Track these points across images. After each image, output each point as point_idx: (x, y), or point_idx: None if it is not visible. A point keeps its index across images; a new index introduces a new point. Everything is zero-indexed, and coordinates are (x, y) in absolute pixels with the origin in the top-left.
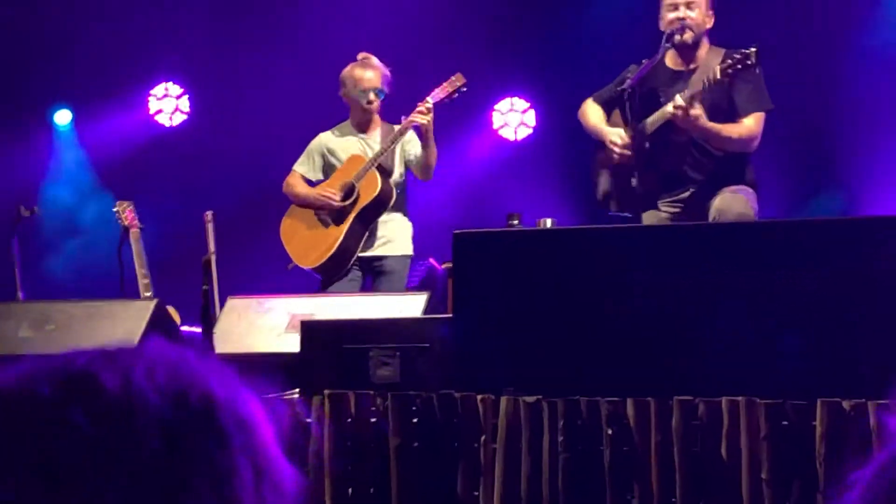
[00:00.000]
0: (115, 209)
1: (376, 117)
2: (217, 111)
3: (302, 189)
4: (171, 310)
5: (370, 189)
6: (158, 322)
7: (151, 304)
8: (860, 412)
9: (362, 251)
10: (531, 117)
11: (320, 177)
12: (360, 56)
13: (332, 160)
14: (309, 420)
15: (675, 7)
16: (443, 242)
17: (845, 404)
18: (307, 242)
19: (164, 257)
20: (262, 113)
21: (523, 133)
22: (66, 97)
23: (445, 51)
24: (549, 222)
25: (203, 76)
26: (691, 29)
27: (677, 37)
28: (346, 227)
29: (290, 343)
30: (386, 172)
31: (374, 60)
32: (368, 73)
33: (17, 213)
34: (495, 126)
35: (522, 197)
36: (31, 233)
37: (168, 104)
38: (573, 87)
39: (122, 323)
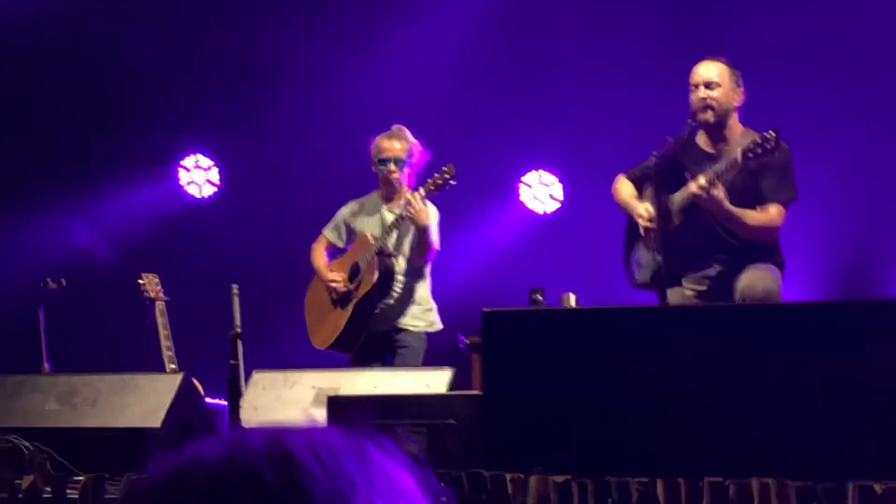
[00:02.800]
0: (140, 281)
1: (403, 188)
2: (246, 183)
3: (317, 261)
4: (195, 381)
5: (369, 277)
6: (185, 395)
7: (178, 378)
8: (891, 494)
9: (377, 328)
10: (558, 191)
11: (345, 244)
12: (393, 127)
13: (354, 229)
14: None
15: (697, 88)
16: (466, 315)
17: (877, 487)
18: (318, 321)
19: (189, 329)
20: (291, 185)
21: (550, 206)
22: (94, 168)
23: (473, 121)
24: (572, 297)
25: (233, 148)
26: (712, 109)
27: (700, 116)
28: (349, 312)
29: (317, 417)
30: (388, 256)
31: (404, 132)
32: (393, 144)
33: (44, 284)
34: (522, 198)
35: (546, 270)
36: (57, 305)
37: (198, 175)
38: (601, 161)
39: (149, 396)
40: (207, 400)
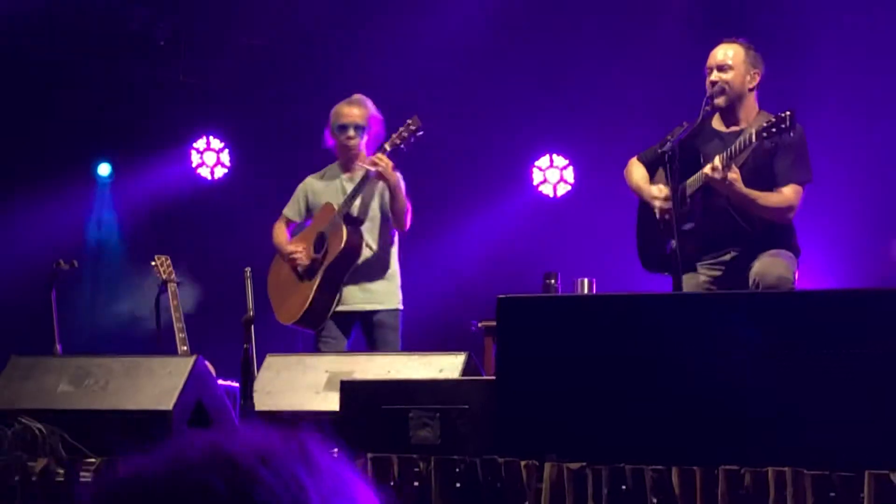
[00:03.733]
0: (153, 263)
1: (361, 156)
2: (258, 165)
3: (278, 239)
4: (207, 364)
5: (336, 242)
6: (197, 377)
7: (190, 360)
8: None
9: (349, 306)
10: (570, 174)
11: (305, 220)
12: (354, 95)
13: (316, 203)
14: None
15: (711, 70)
16: (480, 299)
17: (893, 476)
18: (283, 297)
19: (201, 311)
20: (303, 167)
21: (562, 190)
22: (107, 150)
23: (487, 106)
24: (586, 283)
25: (244, 130)
26: (724, 92)
27: (714, 100)
28: (316, 282)
29: (330, 401)
30: (355, 221)
31: (364, 100)
32: (353, 110)
33: (56, 266)
34: (535, 182)
35: (560, 254)
36: (70, 286)
37: (209, 157)
38: (613, 145)
39: (162, 379)
40: (220, 383)
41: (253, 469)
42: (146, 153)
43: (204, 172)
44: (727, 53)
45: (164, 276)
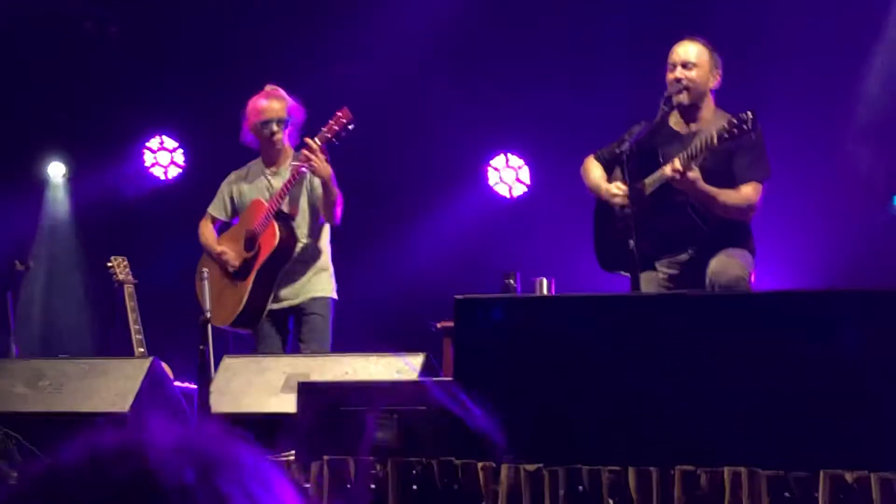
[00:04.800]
0: (109, 264)
1: (286, 149)
2: (212, 165)
3: (206, 239)
4: (164, 366)
5: (269, 240)
6: (154, 379)
7: (146, 363)
8: (863, 484)
9: (282, 303)
10: (526, 174)
11: (232, 218)
12: (266, 87)
13: (242, 201)
14: (307, 486)
15: (674, 67)
16: (437, 300)
17: (848, 476)
18: (216, 299)
19: (158, 313)
20: None
21: (518, 190)
22: (59, 150)
23: (440, 105)
24: (545, 282)
25: (197, 129)
26: (688, 90)
27: (674, 98)
28: (250, 282)
29: (287, 403)
30: (287, 217)
31: (279, 91)
32: (272, 103)
33: (11, 267)
34: (490, 182)
35: (518, 254)
36: (24, 287)
37: (163, 157)
38: (569, 144)
39: (117, 381)
40: (177, 384)
41: (165, 459)
42: (99, 153)
43: (157, 172)
44: (693, 51)
45: (120, 277)
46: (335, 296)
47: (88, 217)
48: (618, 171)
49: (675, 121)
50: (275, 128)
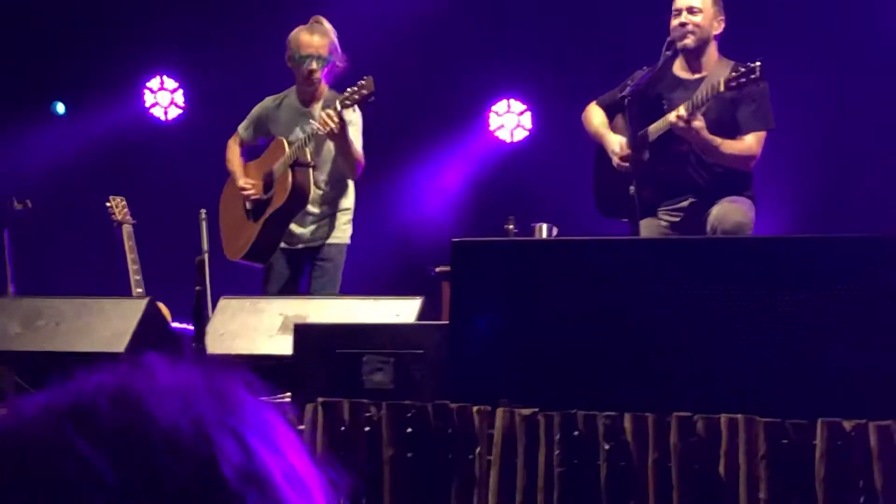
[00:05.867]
0: (107, 204)
1: (322, 88)
2: (212, 106)
3: (232, 164)
4: (161, 306)
5: (281, 191)
6: (150, 319)
7: (143, 303)
8: (861, 433)
9: (297, 244)
10: (528, 119)
11: (262, 141)
12: (312, 19)
13: (271, 129)
14: (301, 427)
15: (679, 12)
16: (438, 244)
17: (846, 424)
18: (231, 231)
19: (156, 253)
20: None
21: (520, 135)
22: (60, 89)
23: (442, 50)
24: (544, 227)
25: (199, 70)
26: (693, 34)
27: (679, 42)
28: (259, 226)
29: (283, 345)
30: (305, 166)
31: (325, 25)
32: (314, 38)
33: (9, 205)
34: (492, 128)
35: (518, 199)
36: (23, 226)
37: (163, 97)
38: (571, 90)
39: (114, 321)
40: (174, 325)
41: (161, 404)
42: (100, 93)
43: (157, 113)
44: None
45: (119, 218)
46: (349, 241)
47: (89, 156)
48: (619, 118)
49: (679, 67)
50: (314, 65)
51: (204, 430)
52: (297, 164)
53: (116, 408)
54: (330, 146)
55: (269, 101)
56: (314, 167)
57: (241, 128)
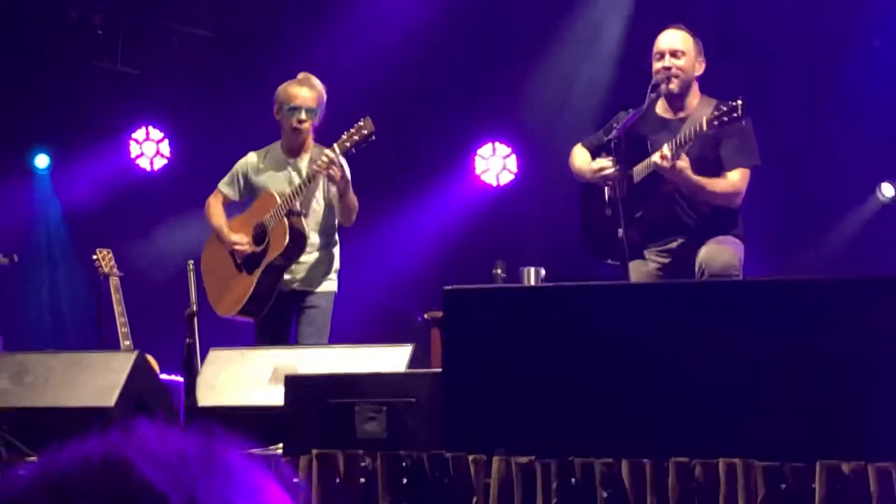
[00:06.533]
0: (94, 257)
1: (309, 141)
2: (198, 156)
3: (217, 220)
4: (150, 358)
5: (279, 241)
6: (139, 373)
7: (132, 356)
8: (860, 475)
9: (285, 289)
10: (513, 162)
11: (243, 198)
12: (300, 75)
13: (256, 184)
14: (296, 480)
15: (662, 56)
16: (426, 290)
17: (845, 467)
18: (222, 287)
19: (144, 305)
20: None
21: (506, 178)
22: (44, 141)
23: (426, 95)
24: (532, 271)
25: (183, 120)
26: (676, 78)
27: (663, 86)
28: (256, 277)
29: (274, 396)
30: (299, 215)
31: (313, 79)
32: (303, 90)
33: None
34: (477, 171)
35: (506, 243)
36: (9, 280)
37: (149, 148)
38: (555, 133)
39: (103, 375)
40: (163, 377)
41: (136, 469)
42: (85, 144)
43: (143, 163)
44: (679, 39)
45: (106, 270)
46: (336, 290)
47: (74, 209)
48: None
49: (662, 108)
50: (303, 116)
51: (195, 500)
52: (291, 213)
53: (107, 478)
54: (318, 196)
55: (252, 157)
56: (305, 216)
57: (222, 184)
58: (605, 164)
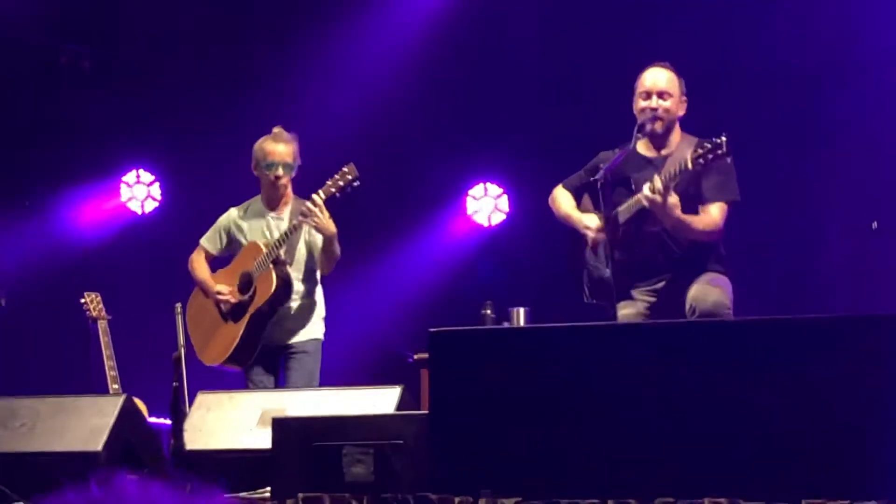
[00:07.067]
0: (82, 300)
1: (288, 193)
2: (189, 198)
3: (201, 273)
4: (138, 402)
5: (266, 287)
6: (127, 417)
7: (119, 400)
8: None
9: (271, 342)
10: (504, 203)
11: (225, 253)
12: (274, 130)
13: (239, 238)
14: None
15: (648, 96)
16: (416, 331)
17: None
18: (207, 336)
19: (132, 348)
20: (233, 201)
21: (497, 218)
22: (33, 184)
23: (417, 136)
24: (521, 311)
25: (174, 163)
26: (662, 119)
27: (648, 126)
28: (243, 325)
29: (261, 439)
30: (283, 264)
31: (286, 135)
32: (278, 147)
33: None
34: (469, 212)
35: (496, 283)
36: None
37: (140, 191)
38: (547, 172)
39: (90, 419)
40: (151, 421)
41: None
42: (75, 187)
43: (134, 206)
44: (665, 79)
45: (94, 314)
46: (323, 337)
47: (64, 252)
48: (588, 200)
49: (643, 147)
50: (280, 171)
51: None
52: (276, 262)
53: None
54: (301, 246)
55: (233, 212)
56: (290, 264)
57: (204, 240)
58: (592, 226)
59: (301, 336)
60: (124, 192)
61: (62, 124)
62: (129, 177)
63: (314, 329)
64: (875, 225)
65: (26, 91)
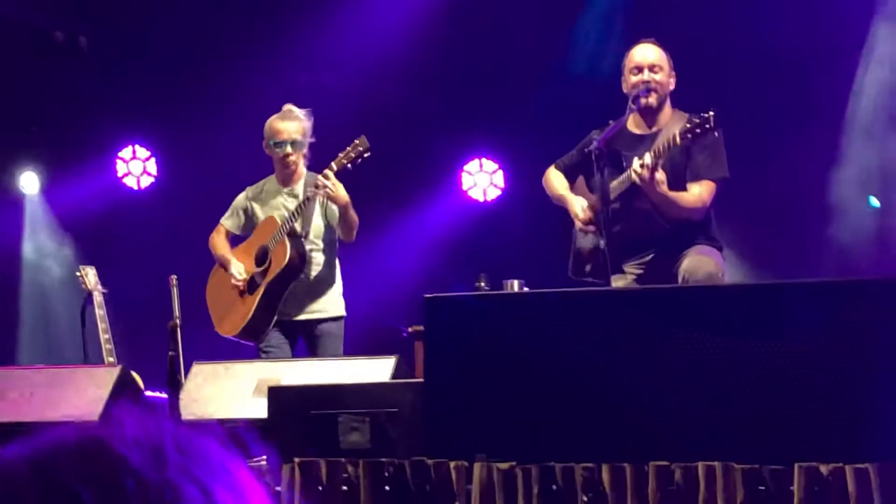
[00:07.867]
0: (77, 273)
1: (300, 169)
2: (184, 174)
3: (220, 250)
4: (134, 374)
5: (280, 258)
6: (123, 388)
7: (116, 371)
8: (838, 477)
9: (293, 316)
10: (500, 178)
11: (244, 232)
12: (284, 107)
13: (256, 216)
14: (279, 489)
15: (640, 70)
16: (411, 304)
17: (823, 469)
18: (224, 309)
19: (129, 321)
20: (229, 175)
21: (493, 194)
22: (32, 161)
23: (414, 111)
24: (515, 284)
25: (170, 139)
26: (656, 91)
27: (643, 99)
28: (257, 297)
29: (258, 408)
30: (299, 236)
31: (297, 112)
32: (287, 125)
33: None
34: (465, 187)
35: (491, 258)
36: None
37: (136, 167)
38: (542, 148)
39: (86, 390)
40: (148, 394)
41: (114, 446)
42: (71, 163)
43: (130, 182)
44: (655, 54)
45: (89, 287)
46: (345, 312)
47: (60, 227)
48: (582, 179)
49: (634, 124)
50: (288, 149)
51: (169, 478)
52: (291, 234)
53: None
54: (317, 219)
55: (249, 191)
56: (305, 237)
57: (224, 219)
58: (581, 216)
59: (323, 313)
60: (120, 168)
61: (59, 100)
62: (126, 152)
63: (335, 307)
64: (875, 201)
65: (23, 68)
